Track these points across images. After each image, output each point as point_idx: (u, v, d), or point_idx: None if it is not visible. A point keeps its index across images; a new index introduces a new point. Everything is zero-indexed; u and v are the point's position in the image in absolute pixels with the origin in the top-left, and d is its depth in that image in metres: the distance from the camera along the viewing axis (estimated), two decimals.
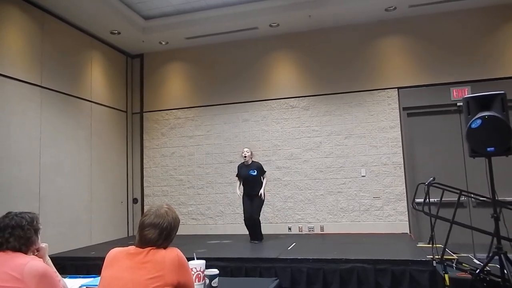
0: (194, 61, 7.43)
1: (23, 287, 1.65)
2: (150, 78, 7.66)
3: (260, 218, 5.66)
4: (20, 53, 5.25)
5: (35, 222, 1.90)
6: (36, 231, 1.90)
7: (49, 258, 2.01)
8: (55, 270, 1.92)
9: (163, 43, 7.22)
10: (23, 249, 1.81)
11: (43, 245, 1.97)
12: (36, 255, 1.89)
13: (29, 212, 1.92)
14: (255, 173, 5.64)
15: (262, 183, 5.70)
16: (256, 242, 5.56)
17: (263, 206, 5.73)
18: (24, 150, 5.16)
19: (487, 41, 6.12)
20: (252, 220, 5.58)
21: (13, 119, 5.04)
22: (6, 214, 1.89)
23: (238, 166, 5.84)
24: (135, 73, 7.78)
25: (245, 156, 5.68)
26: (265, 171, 5.80)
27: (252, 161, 5.77)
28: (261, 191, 5.59)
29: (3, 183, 4.81)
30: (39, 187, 5.35)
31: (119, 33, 6.70)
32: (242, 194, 5.72)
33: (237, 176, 5.84)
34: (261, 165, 5.77)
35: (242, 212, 5.74)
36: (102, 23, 6.35)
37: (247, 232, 5.74)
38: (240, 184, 5.78)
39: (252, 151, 5.83)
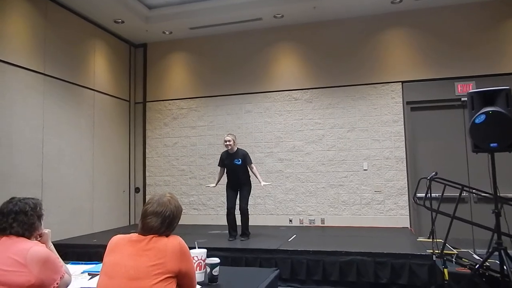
0: (198, 52, 7.40)
1: (26, 271, 1.67)
2: (153, 67, 7.64)
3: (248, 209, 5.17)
4: (23, 41, 5.24)
5: (38, 208, 1.92)
6: (39, 217, 1.91)
7: (51, 244, 2.03)
8: (57, 255, 1.94)
9: (167, 32, 7.18)
10: (26, 234, 1.83)
11: (46, 231, 1.99)
12: (39, 241, 1.91)
13: (33, 198, 1.94)
14: (240, 162, 5.12)
15: (248, 173, 5.22)
16: (243, 239, 5.09)
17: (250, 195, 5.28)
18: (26, 138, 5.18)
19: (493, 36, 6.06)
20: (240, 210, 5.10)
21: (15, 106, 5.04)
22: (10, 199, 1.91)
23: (221, 154, 5.32)
24: (138, 63, 7.76)
25: (228, 145, 5.12)
26: (252, 162, 5.24)
27: (238, 148, 5.23)
28: (260, 180, 5.12)
29: (5, 171, 4.83)
30: (41, 175, 5.37)
31: (122, 22, 6.67)
32: (215, 185, 5.40)
33: (219, 165, 5.35)
34: (247, 153, 5.23)
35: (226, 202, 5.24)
36: (106, 12, 6.32)
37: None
38: (221, 175, 5.36)
39: (235, 138, 5.23)
